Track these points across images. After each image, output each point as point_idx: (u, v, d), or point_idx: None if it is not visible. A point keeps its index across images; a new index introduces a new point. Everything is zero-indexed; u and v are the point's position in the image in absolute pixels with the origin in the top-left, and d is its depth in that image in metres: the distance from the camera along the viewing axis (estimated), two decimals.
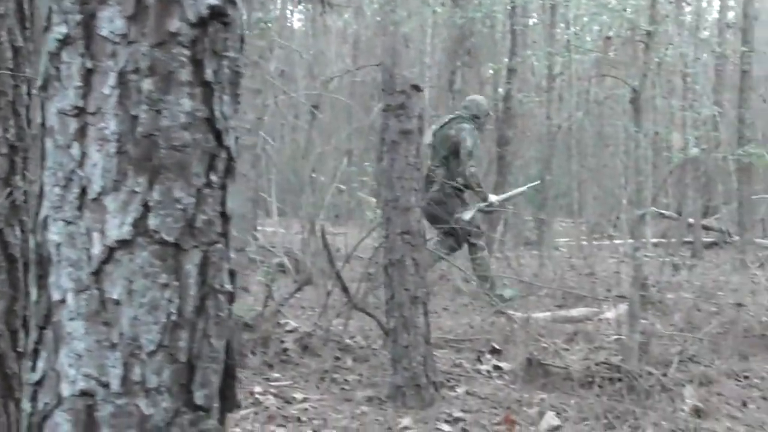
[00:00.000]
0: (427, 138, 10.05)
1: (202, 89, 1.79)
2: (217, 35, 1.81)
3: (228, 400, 1.93)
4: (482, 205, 10.57)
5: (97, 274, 1.73)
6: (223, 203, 1.82)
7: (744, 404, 6.07)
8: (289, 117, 15.61)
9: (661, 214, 20.16)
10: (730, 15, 21.38)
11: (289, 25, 20.60)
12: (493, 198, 10.81)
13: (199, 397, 1.82)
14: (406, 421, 5.24)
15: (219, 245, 1.82)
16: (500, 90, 15.41)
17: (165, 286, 1.74)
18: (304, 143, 9.10)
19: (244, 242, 6.76)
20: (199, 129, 1.78)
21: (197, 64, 1.79)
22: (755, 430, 5.52)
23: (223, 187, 1.82)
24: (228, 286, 1.86)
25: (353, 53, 23.35)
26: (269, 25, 7.32)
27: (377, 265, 7.39)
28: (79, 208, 1.75)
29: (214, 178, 1.80)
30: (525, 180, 17.54)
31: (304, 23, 22.70)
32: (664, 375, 6.12)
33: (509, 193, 11.74)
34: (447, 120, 10.47)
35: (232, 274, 1.87)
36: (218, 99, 1.82)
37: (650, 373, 6.00)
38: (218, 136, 1.81)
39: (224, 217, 1.83)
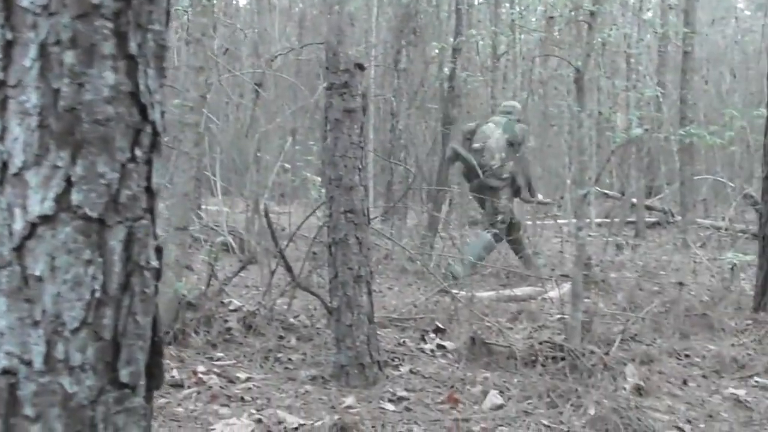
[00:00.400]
0: (497, 135, 11.18)
1: (126, 62, 1.73)
2: (142, 8, 1.75)
3: (154, 378, 1.88)
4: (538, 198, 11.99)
5: (18, 250, 1.68)
6: (148, 178, 1.77)
7: (684, 382, 6.13)
8: (234, 96, 15.50)
9: (605, 193, 20.32)
10: None
11: (234, 2, 20.41)
12: (539, 196, 12.26)
13: (124, 375, 1.77)
14: (349, 400, 5.21)
15: (144, 221, 1.76)
16: (445, 69, 15.37)
17: (89, 262, 1.69)
18: (248, 122, 9.00)
19: (187, 221, 6.67)
20: (123, 103, 1.72)
21: (121, 36, 1.73)
22: (695, 407, 5.57)
23: (149, 162, 1.77)
24: (154, 263, 1.81)
25: (299, 31, 23.19)
26: (213, 2, 7.21)
27: (321, 244, 7.36)
28: (0, 183, 1.69)
29: (138, 152, 1.74)
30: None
31: (249, 1, 22.51)
32: (607, 354, 6.15)
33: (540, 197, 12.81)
34: (504, 121, 11.28)
35: (158, 251, 1.82)
36: (143, 73, 1.76)
37: (592, 352, 6.03)
38: (143, 110, 1.75)
39: (150, 192, 1.77)
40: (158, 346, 1.86)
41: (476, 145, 11.14)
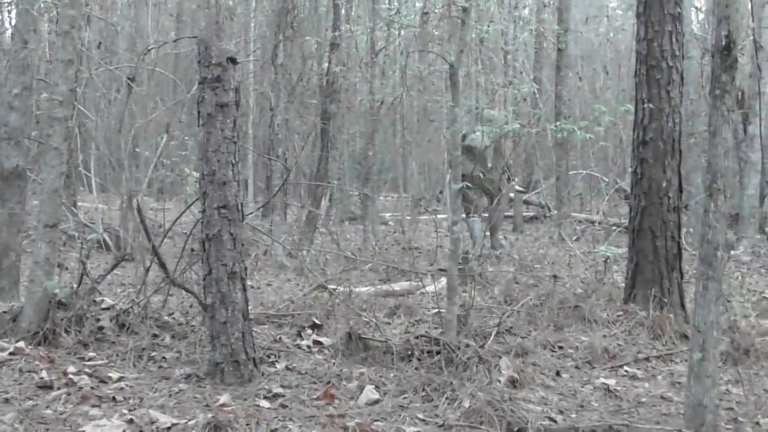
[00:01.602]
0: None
1: None
2: None
3: None
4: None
5: None
6: None
7: (558, 374, 6.22)
8: (110, 91, 15.21)
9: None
10: None
11: None
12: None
13: None
14: (224, 398, 5.15)
15: None
16: (324, 65, 15.36)
17: None
18: (122, 117, 8.81)
19: (58, 218, 6.49)
20: None
21: None
22: (567, 398, 5.66)
23: None
24: None
25: (176, 25, 22.89)
26: None
27: (198, 240, 7.26)
28: None
29: None
30: (349, 156, 17.59)
31: None
32: (482, 347, 6.21)
33: None
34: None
35: None
36: None
37: (468, 345, 6.08)
38: None
39: None
40: None
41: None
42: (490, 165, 13.13)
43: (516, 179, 15.57)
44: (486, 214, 12.86)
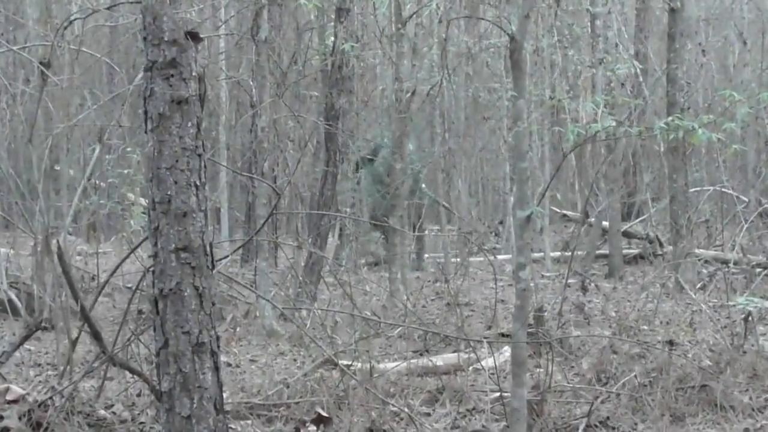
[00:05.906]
0: None
1: None
2: None
3: None
4: None
5: None
6: None
7: None
8: (17, 81, 15.30)
9: (564, 215, 20.49)
10: None
11: None
12: None
13: None
14: None
15: None
16: (330, 39, 15.40)
17: None
18: (33, 119, 8.81)
19: None
20: None
21: None
22: None
23: None
24: None
25: None
26: None
27: (147, 297, 7.29)
28: None
29: None
30: (368, 172, 17.60)
31: None
32: None
33: None
34: None
35: None
36: None
37: None
38: None
39: None
40: None
41: None
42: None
43: None
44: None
